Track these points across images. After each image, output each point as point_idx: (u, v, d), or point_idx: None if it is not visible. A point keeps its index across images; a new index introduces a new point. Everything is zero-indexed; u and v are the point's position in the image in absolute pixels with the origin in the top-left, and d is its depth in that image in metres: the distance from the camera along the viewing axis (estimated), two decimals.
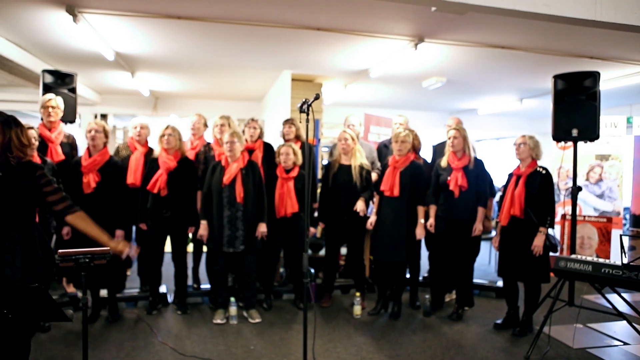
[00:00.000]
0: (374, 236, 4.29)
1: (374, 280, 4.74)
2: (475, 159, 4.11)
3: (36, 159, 3.54)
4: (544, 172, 3.74)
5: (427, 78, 6.96)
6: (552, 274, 3.65)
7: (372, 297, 4.63)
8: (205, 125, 4.69)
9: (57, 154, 3.97)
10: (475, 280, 4.55)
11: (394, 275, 4.20)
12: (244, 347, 3.52)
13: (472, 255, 4.21)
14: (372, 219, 4.23)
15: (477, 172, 4.07)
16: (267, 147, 4.53)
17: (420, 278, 4.77)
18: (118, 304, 4.15)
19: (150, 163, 4.12)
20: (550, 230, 3.75)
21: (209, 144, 4.51)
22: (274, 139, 5.66)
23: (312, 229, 4.37)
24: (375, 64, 6.08)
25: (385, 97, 8.93)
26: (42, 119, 4.10)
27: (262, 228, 4.02)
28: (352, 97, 8.81)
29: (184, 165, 4.10)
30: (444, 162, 4.15)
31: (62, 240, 3.80)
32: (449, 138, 4.14)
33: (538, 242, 3.65)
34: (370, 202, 4.41)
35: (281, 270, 4.94)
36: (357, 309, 4.23)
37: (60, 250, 2.30)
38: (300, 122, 2.75)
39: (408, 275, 4.57)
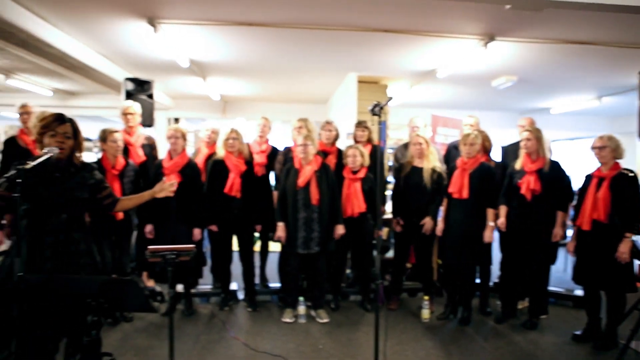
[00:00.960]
0: (443, 239, 4.21)
1: (442, 284, 4.65)
2: (552, 161, 3.92)
3: (121, 160, 3.82)
4: (631, 174, 3.50)
5: (496, 77, 6.74)
6: (639, 284, 3.41)
7: (440, 301, 4.55)
8: (270, 128, 4.78)
9: (138, 156, 4.24)
10: (550, 288, 4.35)
11: (463, 280, 4.10)
12: (313, 346, 3.58)
13: (547, 262, 4.03)
14: (440, 226, 4.15)
15: (553, 175, 3.87)
16: (339, 153, 4.55)
17: (491, 283, 4.62)
18: (193, 299, 4.36)
19: (215, 165, 4.19)
20: (636, 237, 3.51)
21: (289, 147, 4.58)
22: (340, 140, 5.70)
23: (377, 231, 4.36)
24: (443, 64, 5.97)
25: (452, 97, 8.74)
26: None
27: (340, 230, 4.07)
28: (417, 98, 8.70)
29: (250, 167, 4.24)
30: (518, 165, 4.00)
31: (143, 237, 4.06)
32: (522, 140, 3.98)
33: (624, 248, 3.41)
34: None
35: (348, 271, 4.96)
36: (426, 313, 4.17)
37: (150, 247, 2.47)
38: (373, 124, 2.77)
39: (478, 280, 4.44)
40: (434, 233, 4.26)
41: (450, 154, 4.85)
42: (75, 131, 2.44)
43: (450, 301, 4.28)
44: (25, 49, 5.46)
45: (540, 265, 3.97)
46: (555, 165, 3.91)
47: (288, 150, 4.51)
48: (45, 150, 2.21)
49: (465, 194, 3.97)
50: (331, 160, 4.43)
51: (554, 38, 4.84)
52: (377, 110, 2.69)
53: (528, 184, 3.85)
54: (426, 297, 4.27)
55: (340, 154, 4.53)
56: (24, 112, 3.94)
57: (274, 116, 4.94)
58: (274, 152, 4.62)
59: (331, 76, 7.00)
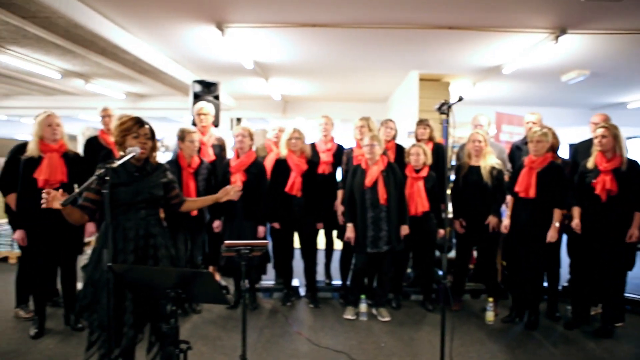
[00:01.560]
0: (507, 239, 4.09)
1: (507, 286, 4.51)
2: (629, 160, 3.70)
3: (196, 159, 4.01)
4: None
5: (567, 72, 6.45)
6: None
7: (504, 303, 4.42)
8: (332, 126, 4.82)
9: (208, 155, 4.43)
10: (626, 295, 4.10)
11: (530, 282, 3.96)
12: (375, 344, 3.60)
13: (623, 266, 3.80)
14: (506, 222, 4.03)
15: (630, 175, 3.65)
16: (399, 149, 4.55)
17: (560, 287, 4.42)
18: (256, 293, 4.50)
19: (278, 164, 4.30)
20: None
21: (351, 148, 4.60)
22: (401, 139, 5.68)
23: (440, 231, 4.30)
24: (509, 59, 5.79)
25: (518, 93, 8.43)
26: (193, 123, 4.62)
27: (405, 230, 4.06)
28: (480, 95, 8.48)
29: (312, 167, 4.31)
30: (590, 164, 3.80)
31: (211, 232, 4.24)
32: (597, 137, 3.77)
33: None
34: (503, 205, 4.21)
35: (408, 270, 4.93)
36: (490, 315, 4.07)
37: (226, 242, 2.59)
38: (440, 123, 2.75)
39: (545, 284, 4.27)
40: (498, 233, 4.15)
41: (514, 155, 4.69)
42: (153, 133, 2.60)
43: (516, 304, 4.14)
44: (104, 56, 5.87)
45: (616, 269, 3.76)
46: (633, 164, 3.69)
47: (350, 150, 4.55)
48: (129, 150, 2.38)
49: (532, 193, 3.83)
50: (389, 157, 4.42)
51: (633, 28, 4.55)
52: (445, 108, 2.68)
53: (604, 184, 3.65)
54: (490, 299, 4.15)
55: (398, 150, 4.52)
56: (106, 115, 4.24)
57: (333, 115, 4.95)
58: (339, 150, 4.66)
59: (392, 75, 6.98)
